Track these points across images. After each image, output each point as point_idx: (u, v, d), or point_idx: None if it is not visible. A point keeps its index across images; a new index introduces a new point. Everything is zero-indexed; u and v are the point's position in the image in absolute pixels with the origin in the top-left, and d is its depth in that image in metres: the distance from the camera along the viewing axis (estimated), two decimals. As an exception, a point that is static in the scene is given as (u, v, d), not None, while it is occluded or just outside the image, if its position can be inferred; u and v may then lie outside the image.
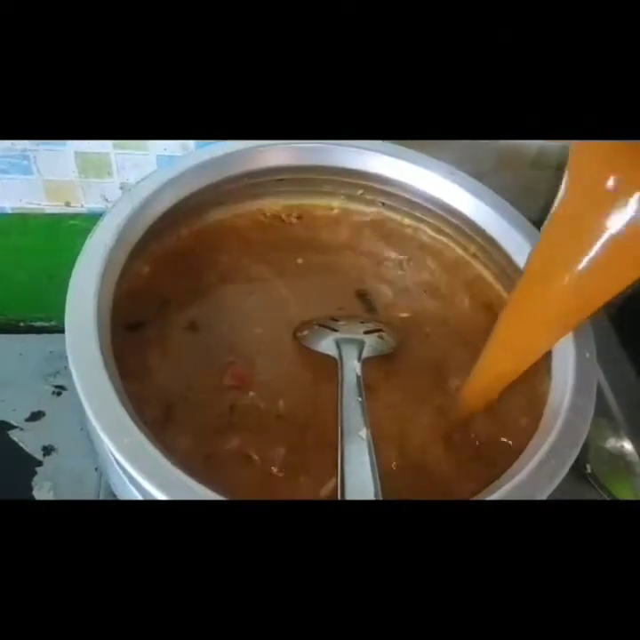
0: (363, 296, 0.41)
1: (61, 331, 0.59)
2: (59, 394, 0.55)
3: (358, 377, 0.34)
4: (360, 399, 0.32)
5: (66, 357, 0.57)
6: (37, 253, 0.53)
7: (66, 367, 0.56)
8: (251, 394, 0.34)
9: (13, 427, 0.53)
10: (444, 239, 0.43)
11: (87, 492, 0.51)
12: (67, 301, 0.30)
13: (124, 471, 0.28)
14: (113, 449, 0.26)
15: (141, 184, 0.35)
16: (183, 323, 0.37)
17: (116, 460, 0.27)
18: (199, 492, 0.25)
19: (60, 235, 0.51)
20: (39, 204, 0.49)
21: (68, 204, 0.49)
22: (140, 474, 0.25)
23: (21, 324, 0.59)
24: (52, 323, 0.59)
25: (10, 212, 0.49)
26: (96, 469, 0.52)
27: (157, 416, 0.31)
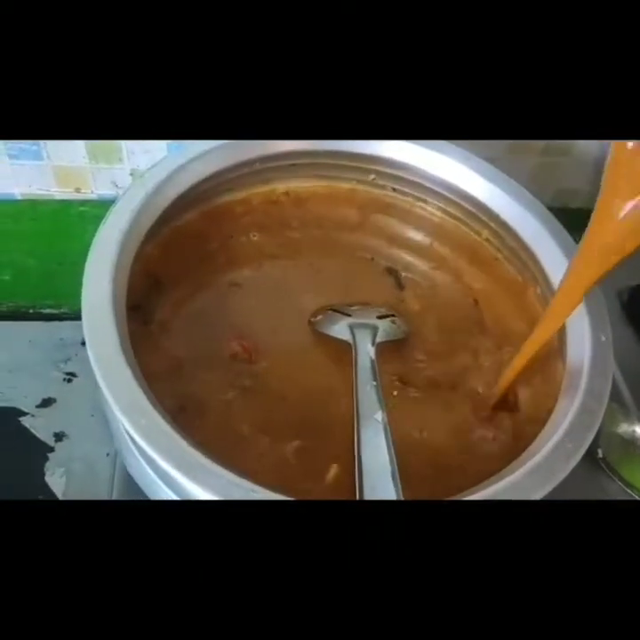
0: (391, 273, 0.41)
1: (71, 318, 0.60)
2: (69, 380, 0.56)
3: (372, 361, 0.34)
4: (375, 383, 0.32)
5: (76, 345, 0.58)
6: (47, 240, 0.52)
7: (76, 354, 0.57)
8: (264, 376, 0.34)
9: (25, 413, 0.53)
10: (457, 223, 0.43)
11: (99, 478, 0.51)
12: (83, 286, 0.30)
13: (142, 452, 0.28)
14: (131, 430, 0.26)
15: (153, 170, 0.35)
16: (194, 306, 0.37)
17: (133, 440, 0.27)
18: (216, 471, 0.25)
19: (70, 221, 0.51)
20: (49, 190, 0.48)
21: (77, 190, 0.49)
22: (158, 453, 0.25)
23: (31, 311, 0.59)
24: (62, 310, 0.59)
25: (19, 198, 0.49)
26: (107, 455, 0.52)
27: (173, 399, 0.31)
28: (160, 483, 0.29)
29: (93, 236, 0.53)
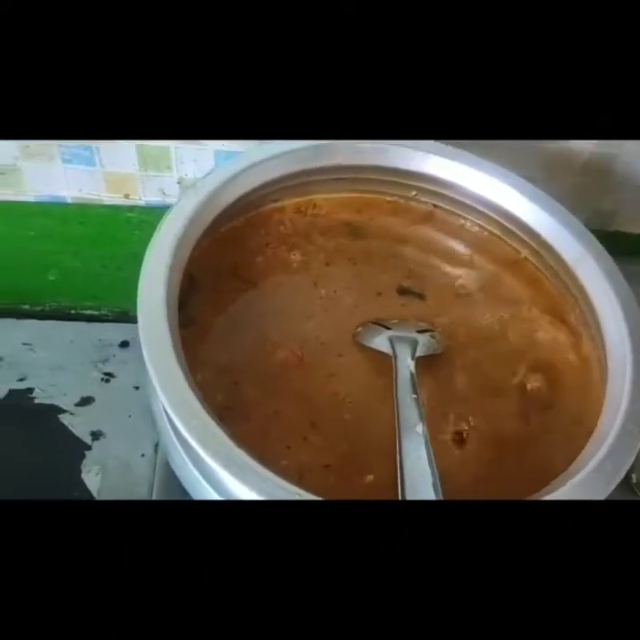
0: (408, 290, 0.41)
1: (110, 320, 0.61)
2: (107, 381, 0.57)
3: (412, 374, 0.34)
4: (415, 396, 0.33)
5: (114, 346, 0.59)
6: (93, 243, 0.54)
7: (114, 355, 0.59)
8: (307, 383, 0.35)
9: (64, 411, 0.55)
10: (497, 240, 0.43)
11: (134, 477, 0.52)
12: (139, 290, 0.31)
13: (189, 452, 0.29)
14: (182, 430, 0.27)
15: (206, 179, 0.36)
16: (237, 312, 0.38)
17: (182, 440, 0.28)
18: (262, 473, 0.26)
19: (117, 226, 0.53)
20: (99, 195, 0.50)
21: (126, 196, 0.50)
22: (208, 454, 0.26)
23: (72, 312, 0.61)
24: (102, 311, 0.61)
25: (70, 201, 0.50)
26: (142, 455, 0.53)
27: (221, 401, 0.32)
28: (205, 483, 0.30)
29: (139, 241, 0.55)
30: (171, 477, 0.39)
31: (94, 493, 0.51)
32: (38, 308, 0.60)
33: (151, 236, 0.55)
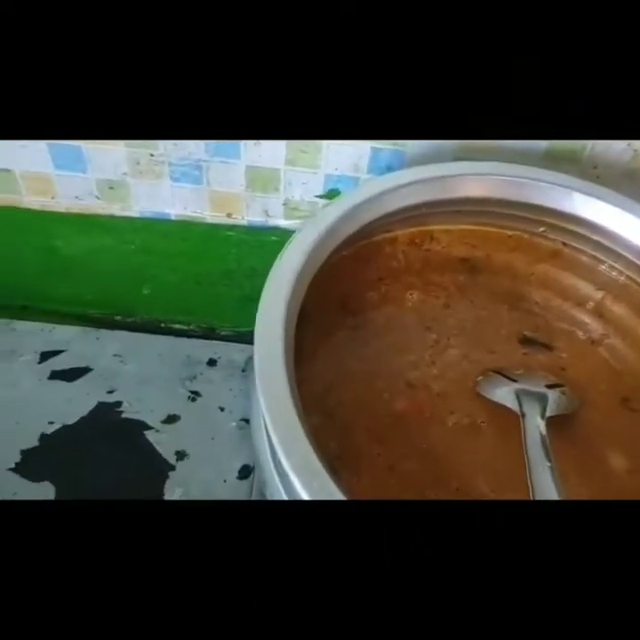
0: (532, 339, 0.38)
1: (198, 336, 0.61)
2: (193, 400, 0.56)
3: (543, 437, 0.31)
4: (549, 464, 0.29)
5: (202, 364, 0.58)
6: (190, 259, 0.54)
7: (202, 374, 0.58)
8: (424, 435, 0.32)
9: (150, 427, 0.54)
10: (633, 284, 0.39)
11: (216, 504, 0.51)
12: (257, 322, 0.29)
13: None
14: (293, 477, 0.25)
15: (326, 209, 0.34)
16: (344, 350, 0.36)
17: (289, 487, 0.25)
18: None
19: (216, 244, 0.52)
20: (202, 213, 0.49)
21: (229, 216, 0.49)
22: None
23: (162, 325, 0.60)
24: (191, 327, 0.60)
25: (173, 218, 0.50)
26: (225, 481, 0.52)
27: (333, 449, 0.30)
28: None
29: (234, 259, 0.54)
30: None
31: (176, 517, 0.49)
32: (130, 320, 0.60)
33: (247, 254, 0.55)
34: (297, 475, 0.25)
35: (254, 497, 0.39)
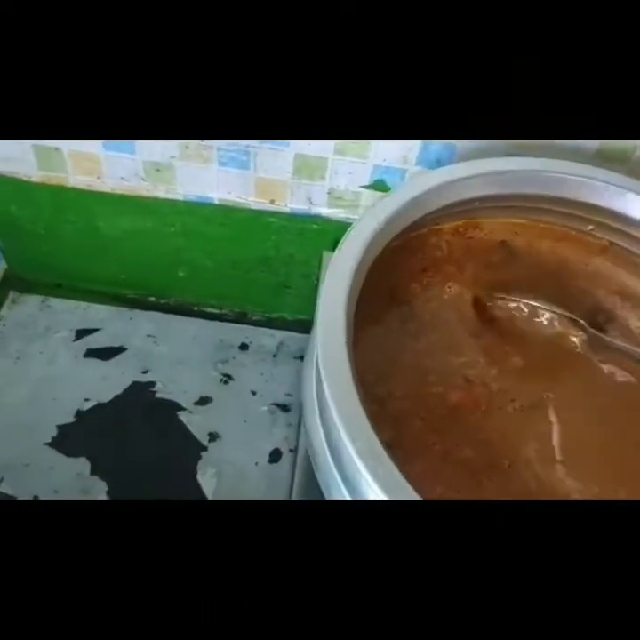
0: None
1: (231, 320, 0.61)
2: (225, 382, 0.57)
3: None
4: None
5: (234, 348, 0.59)
6: (228, 244, 0.54)
7: (234, 357, 0.59)
8: (474, 418, 0.33)
9: (183, 408, 0.55)
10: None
11: (247, 485, 0.51)
12: (318, 311, 0.30)
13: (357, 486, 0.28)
14: (355, 457, 0.26)
15: (385, 200, 0.35)
16: (392, 339, 0.37)
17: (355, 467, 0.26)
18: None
19: (256, 230, 0.52)
20: (246, 199, 0.50)
21: (272, 202, 0.49)
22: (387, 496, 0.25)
23: (195, 308, 0.61)
24: (223, 311, 0.61)
25: (216, 203, 0.50)
26: (256, 464, 0.52)
27: (388, 437, 0.30)
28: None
29: (272, 246, 0.54)
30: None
31: (209, 496, 0.50)
32: (163, 302, 0.61)
33: (286, 242, 0.55)
34: (361, 459, 0.26)
35: (297, 481, 0.40)
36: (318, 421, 0.32)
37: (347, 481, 0.29)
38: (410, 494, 0.25)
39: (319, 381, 0.31)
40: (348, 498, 0.29)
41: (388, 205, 0.34)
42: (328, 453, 0.31)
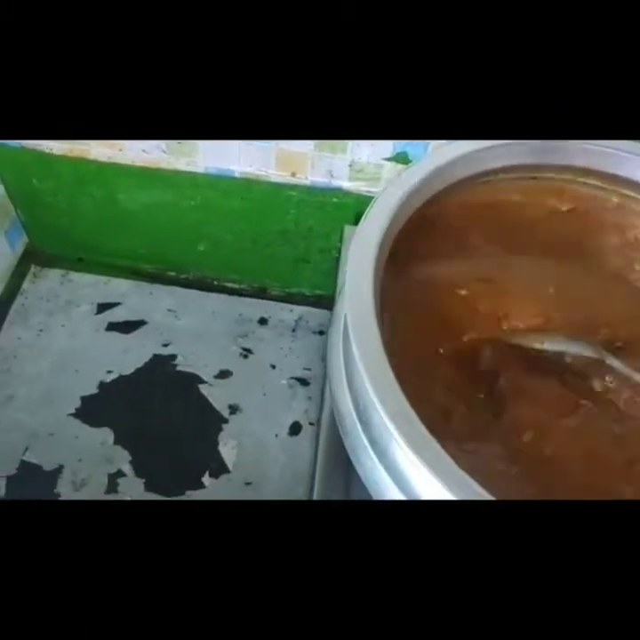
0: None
1: (250, 295, 0.61)
2: (245, 356, 0.57)
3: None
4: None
5: (253, 322, 0.60)
6: (248, 218, 0.54)
7: (253, 332, 0.59)
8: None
9: (204, 381, 0.55)
10: None
11: (268, 456, 0.52)
12: (347, 284, 0.30)
13: (386, 454, 0.28)
14: (395, 433, 0.26)
15: (410, 171, 0.35)
16: (413, 307, 0.37)
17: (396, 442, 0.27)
18: (469, 484, 0.25)
19: (276, 203, 0.52)
20: (266, 172, 0.50)
21: (293, 175, 0.49)
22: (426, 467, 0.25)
23: (215, 283, 0.61)
24: (242, 285, 0.61)
25: (237, 176, 0.50)
26: (276, 436, 0.53)
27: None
28: (393, 484, 0.29)
29: (292, 220, 0.54)
30: (334, 469, 0.39)
31: (230, 466, 0.51)
32: (182, 276, 0.61)
33: (306, 215, 0.55)
34: (392, 421, 0.26)
35: (321, 448, 0.40)
36: (345, 388, 0.32)
37: (374, 443, 0.30)
38: (438, 453, 0.26)
39: (347, 349, 0.31)
40: (374, 460, 0.30)
41: (415, 174, 0.34)
42: (355, 417, 0.31)
